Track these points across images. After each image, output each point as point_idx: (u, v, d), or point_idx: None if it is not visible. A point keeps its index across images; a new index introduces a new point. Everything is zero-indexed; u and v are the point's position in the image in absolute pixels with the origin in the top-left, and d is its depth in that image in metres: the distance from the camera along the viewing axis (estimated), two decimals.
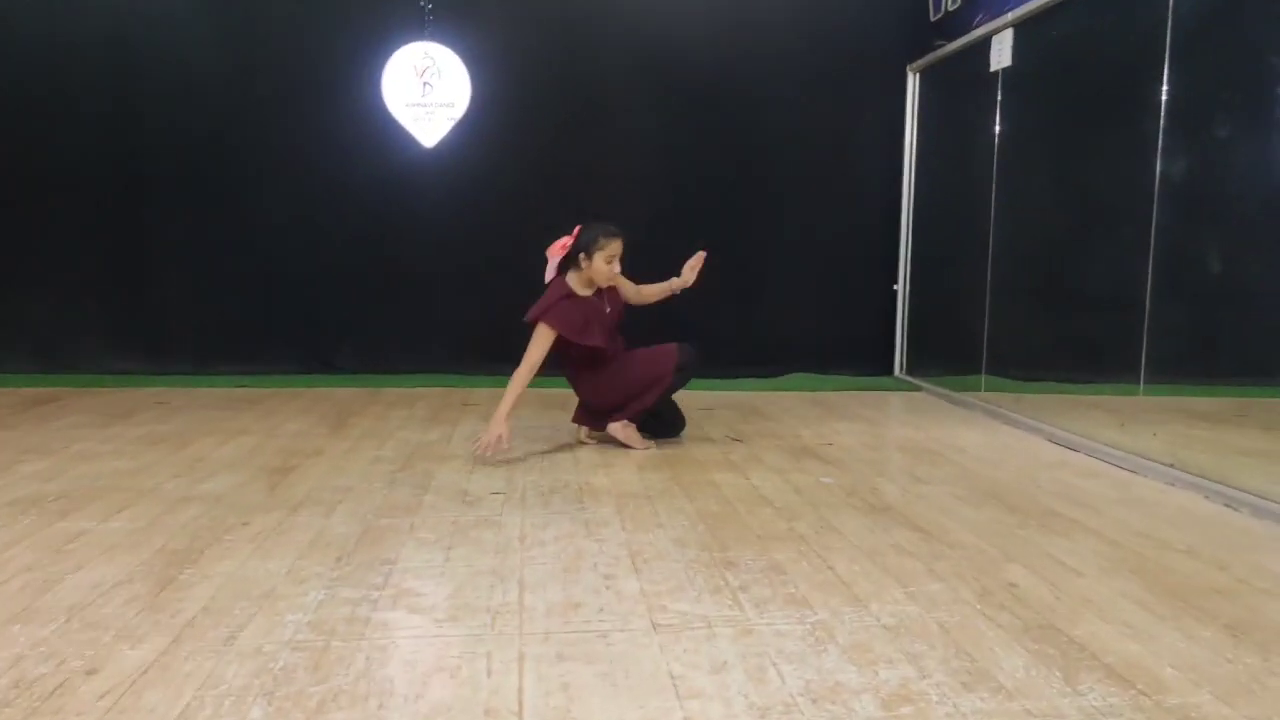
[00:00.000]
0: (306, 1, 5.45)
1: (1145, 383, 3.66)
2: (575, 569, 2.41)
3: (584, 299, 3.65)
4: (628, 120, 5.72)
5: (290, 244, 5.56)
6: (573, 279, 3.66)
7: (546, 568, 2.42)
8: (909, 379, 5.92)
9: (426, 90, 5.40)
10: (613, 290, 3.77)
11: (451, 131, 5.46)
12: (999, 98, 4.78)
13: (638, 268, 5.87)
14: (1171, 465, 3.39)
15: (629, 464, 3.57)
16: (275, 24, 5.43)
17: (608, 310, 3.71)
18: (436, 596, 2.21)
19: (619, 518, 2.86)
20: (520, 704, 1.70)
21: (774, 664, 1.86)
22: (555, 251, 3.67)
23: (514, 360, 3.60)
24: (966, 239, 5.14)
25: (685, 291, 3.92)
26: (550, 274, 3.69)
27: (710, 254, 3.87)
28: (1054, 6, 4.25)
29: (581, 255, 3.59)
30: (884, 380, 5.94)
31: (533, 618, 2.09)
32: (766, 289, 5.94)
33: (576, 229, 3.62)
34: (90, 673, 1.80)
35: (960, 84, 5.33)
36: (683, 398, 4.04)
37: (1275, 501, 2.92)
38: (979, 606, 2.16)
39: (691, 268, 3.83)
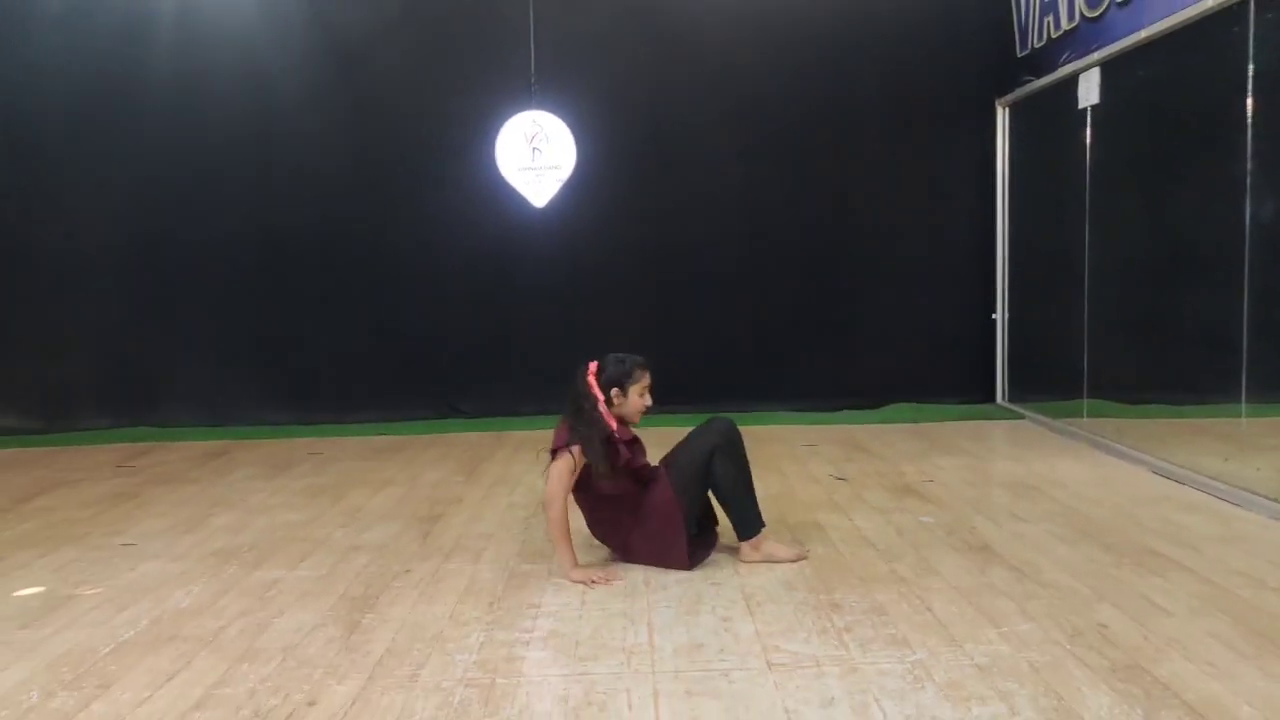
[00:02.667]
0: (426, 78, 6.02)
1: (1247, 402, 3.73)
2: (695, 611, 2.72)
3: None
4: (721, 165, 6.07)
5: (417, 299, 6.11)
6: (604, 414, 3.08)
7: (671, 610, 2.73)
8: (1011, 406, 6.01)
9: (536, 155, 5.86)
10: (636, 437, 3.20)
11: (560, 192, 5.91)
12: (1088, 133, 4.89)
13: (740, 310, 6.16)
14: (1276, 500, 3.45)
15: None
16: (398, 100, 6.02)
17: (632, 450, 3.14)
18: (579, 637, 2.56)
19: (732, 562, 3.16)
20: None
21: (876, 700, 2.13)
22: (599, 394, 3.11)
23: None
24: (1064, 268, 5.24)
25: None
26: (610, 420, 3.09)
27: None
28: (1140, 47, 4.36)
29: (615, 391, 3.09)
30: (986, 408, 6.04)
31: (662, 657, 2.41)
32: (863, 321, 6.15)
33: (593, 366, 3.13)
34: (311, 704, 2.21)
35: (1050, 119, 5.44)
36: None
37: None
38: (1069, 646, 2.37)
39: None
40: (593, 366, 3.13)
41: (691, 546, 3.11)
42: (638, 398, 3.13)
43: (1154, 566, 2.94)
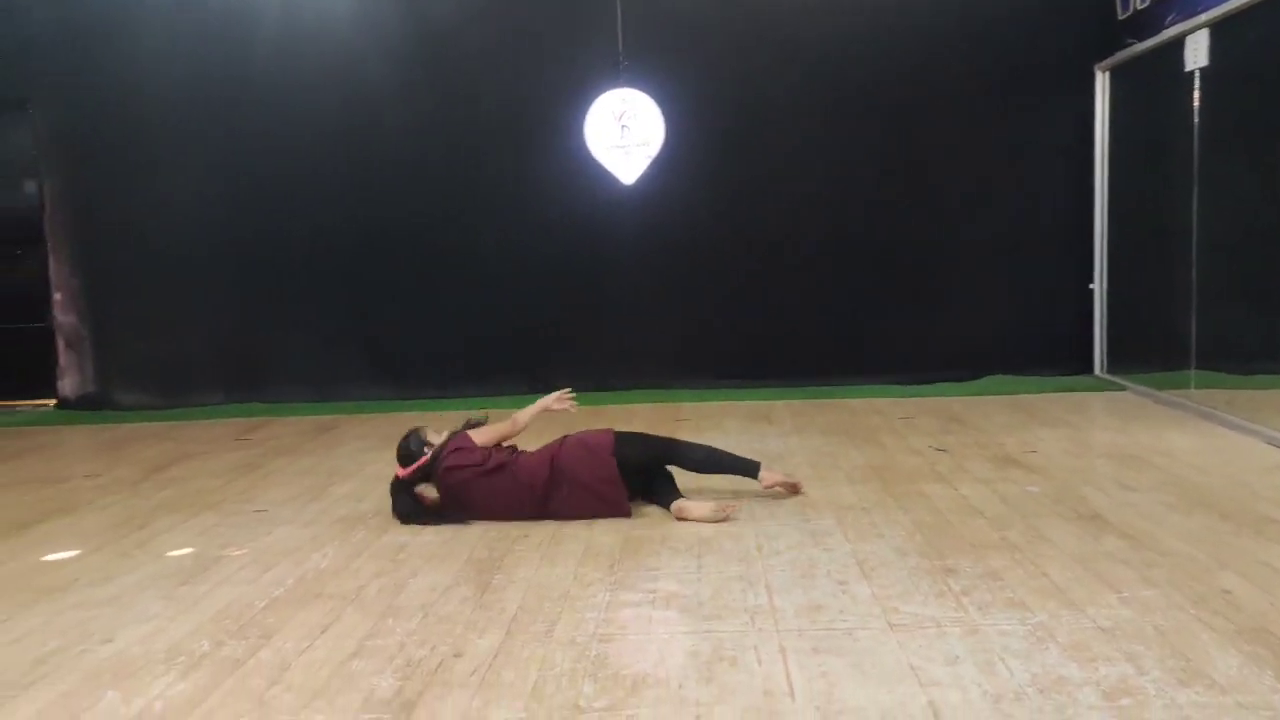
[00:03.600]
0: (515, 60, 6.15)
1: None
2: (811, 575, 2.81)
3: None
4: (810, 136, 6.07)
5: (510, 277, 6.29)
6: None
7: (786, 574, 2.82)
8: (1111, 378, 5.90)
9: (625, 132, 5.95)
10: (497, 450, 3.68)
11: (649, 168, 6.00)
12: (1196, 96, 4.75)
13: (832, 282, 6.14)
14: None
15: (840, 478, 3.92)
16: (488, 84, 6.18)
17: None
18: (700, 598, 2.67)
19: (840, 528, 3.23)
20: (790, 686, 2.12)
21: (1001, 659, 2.19)
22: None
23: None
24: (1169, 235, 5.12)
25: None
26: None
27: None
28: (1250, 7, 4.21)
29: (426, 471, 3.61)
30: (1084, 380, 5.95)
31: (784, 617, 2.51)
32: (956, 291, 6.10)
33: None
34: (457, 656, 2.37)
35: (1154, 83, 5.30)
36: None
37: None
38: (1193, 611, 2.38)
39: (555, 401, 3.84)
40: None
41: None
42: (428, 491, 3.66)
43: (1274, 534, 2.92)
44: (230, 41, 6.25)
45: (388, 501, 3.84)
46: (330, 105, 6.25)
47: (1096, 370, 6.06)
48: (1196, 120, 4.78)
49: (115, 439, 5.58)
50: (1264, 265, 4.50)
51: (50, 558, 3.33)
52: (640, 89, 5.80)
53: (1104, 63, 5.76)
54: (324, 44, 6.22)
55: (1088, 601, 2.49)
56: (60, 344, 6.71)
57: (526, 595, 2.75)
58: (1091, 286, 6.02)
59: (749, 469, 3.61)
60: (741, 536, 3.20)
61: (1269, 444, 4.06)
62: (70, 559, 3.30)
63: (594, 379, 6.28)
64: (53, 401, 6.75)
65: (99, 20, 6.30)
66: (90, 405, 6.58)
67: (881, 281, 6.11)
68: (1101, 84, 5.84)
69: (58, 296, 6.68)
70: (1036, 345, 6.09)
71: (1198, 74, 4.72)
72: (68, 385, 6.73)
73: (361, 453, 4.85)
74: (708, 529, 3.29)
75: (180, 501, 4.02)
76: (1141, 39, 5.28)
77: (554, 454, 3.56)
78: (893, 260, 6.09)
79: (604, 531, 3.32)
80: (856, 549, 3.01)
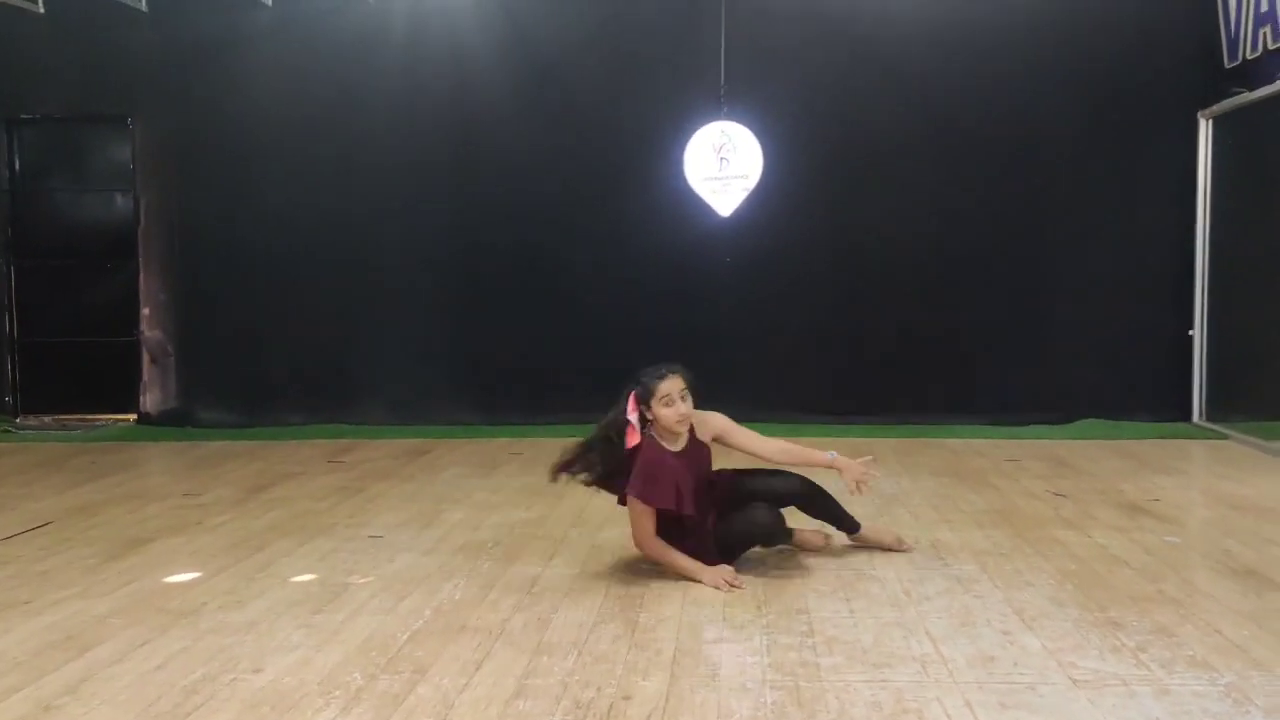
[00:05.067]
0: (619, 91, 6.23)
1: None
2: (971, 623, 2.73)
3: (669, 459, 3.20)
4: (910, 172, 6.07)
5: (605, 304, 6.30)
6: (657, 436, 3.23)
7: (945, 621, 2.75)
8: (1210, 425, 5.77)
9: (723, 165, 5.97)
10: (701, 447, 3.33)
11: (745, 200, 6.00)
12: None
13: (928, 320, 6.06)
14: None
15: (965, 520, 3.84)
16: (592, 113, 6.26)
17: (691, 472, 3.23)
18: (863, 644, 2.60)
19: (985, 575, 3.15)
20: None
21: None
22: (629, 407, 3.23)
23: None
24: (1273, 283, 5.02)
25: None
26: (632, 440, 3.20)
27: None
28: None
29: (645, 411, 3.19)
30: (1181, 427, 5.82)
31: (957, 668, 2.43)
32: (1053, 334, 6.02)
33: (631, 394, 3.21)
34: (625, 699, 2.32)
35: (1260, 132, 5.23)
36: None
37: None
38: None
39: (861, 474, 3.28)
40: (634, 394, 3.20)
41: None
42: (664, 409, 3.15)
43: None
44: (335, 60, 6.36)
45: (508, 533, 3.81)
46: (435, 127, 6.35)
47: (1195, 418, 5.93)
48: None
49: (202, 457, 5.61)
50: None
51: (173, 579, 3.32)
52: (741, 122, 5.81)
53: (1208, 110, 5.71)
54: (432, 65, 6.34)
55: (1275, 661, 2.39)
56: (145, 358, 6.79)
57: (680, 635, 2.69)
58: (1191, 333, 5.92)
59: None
60: (884, 580, 3.13)
61: None
62: (194, 581, 3.29)
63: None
64: (133, 416, 6.82)
65: (202, 35, 6.46)
66: (171, 421, 6.64)
67: (979, 321, 6.04)
68: (1205, 131, 5.79)
69: (146, 311, 6.78)
70: (1132, 390, 5.99)
71: None
72: (149, 400, 6.81)
73: (463, 479, 4.84)
74: (848, 572, 3.22)
75: (289, 524, 4.01)
76: (1252, 88, 5.23)
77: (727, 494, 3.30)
78: (991, 300, 6.02)
79: (744, 567, 3.24)
80: (1010, 597, 2.93)
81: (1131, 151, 5.89)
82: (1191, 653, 2.48)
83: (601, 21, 6.23)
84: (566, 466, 3.26)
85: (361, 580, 3.26)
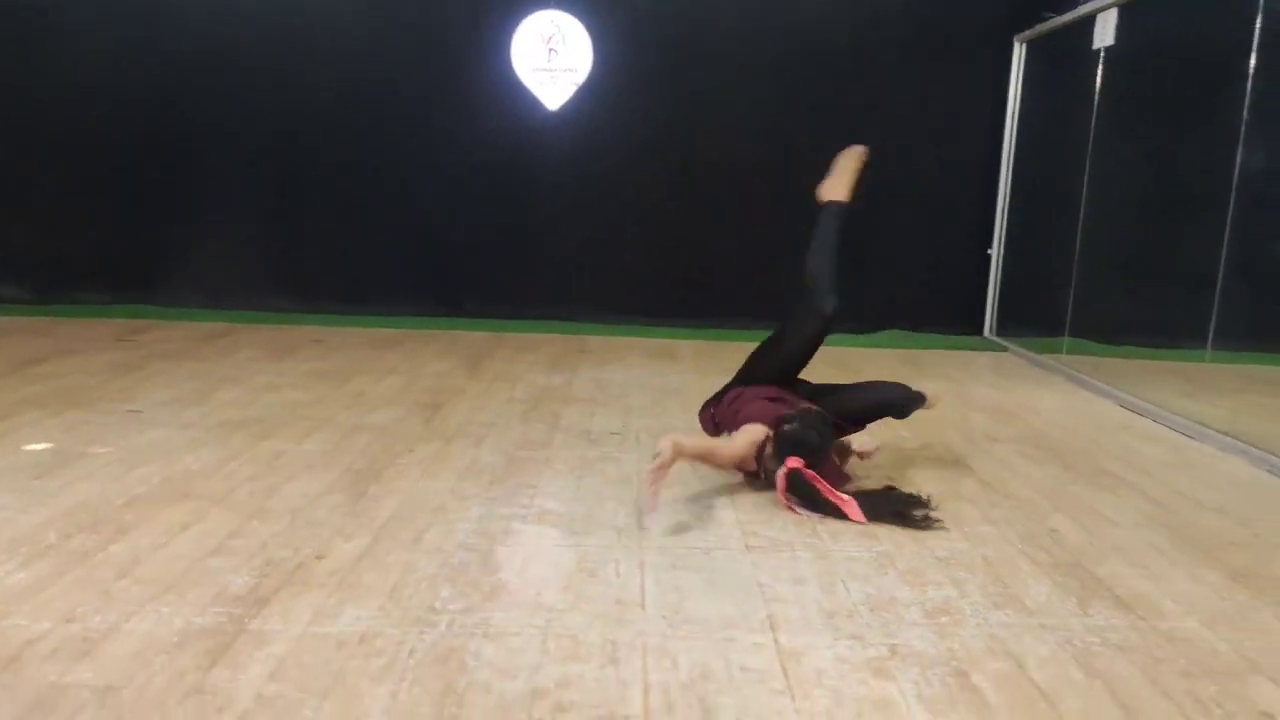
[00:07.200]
0: None
1: (1212, 348, 3.92)
2: (681, 499, 2.90)
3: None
4: (736, 79, 6.06)
5: (425, 197, 6.15)
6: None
7: (658, 498, 2.91)
8: (997, 340, 6.17)
9: (552, 56, 5.85)
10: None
11: (574, 95, 5.92)
12: (1099, 75, 4.93)
13: (746, 221, 6.19)
14: (1225, 433, 3.65)
15: None
16: None
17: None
18: (573, 515, 2.74)
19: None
20: (643, 597, 2.21)
21: (842, 581, 2.32)
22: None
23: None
24: (1059, 208, 5.34)
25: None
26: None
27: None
28: None
29: (769, 456, 2.93)
30: (973, 340, 6.21)
31: (650, 536, 2.60)
32: (865, 248, 6.22)
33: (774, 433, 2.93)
34: (320, 558, 2.39)
35: (1064, 58, 5.46)
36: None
37: None
38: (1020, 546, 2.57)
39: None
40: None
41: None
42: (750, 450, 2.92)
43: (1107, 485, 3.15)
44: None
45: (273, 409, 3.81)
46: (253, 9, 5.94)
47: (985, 332, 6.32)
48: (1097, 99, 4.97)
49: None
50: (1136, 243, 4.76)
51: None
52: (570, 13, 5.69)
53: (1023, 34, 5.91)
54: None
55: (930, 535, 2.65)
56: None
57: (400, 505, 2.77)
58: (989, 252, 6.25)
59: None
60: (623, 461, 3.28)
61: (1122, 406, 4.34)
62: None
63: (507, 304, 6.26)
64: None
65: None
66: None
67: (796, 232, 6.17)
68: (1018, 55, 6.00)
69: None
70: (936, 305, 6.31)
71: (1103, 53, 4.90)
72: None
73: (253, 361, 4.75)
74: (594, 452, 3.36)
75: (48, 398, 3.87)
76: (1060, 13, 5.43)
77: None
78: (804, 211, 6.15)
79: (491, 450, 3.35)
80: (728, 479, 3.12)
81: (951, 74, 6.06)
82: (864, 526, 2.71)
83: None
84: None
85: (101, 450, 3.20)
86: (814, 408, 3.02)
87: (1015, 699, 1.80)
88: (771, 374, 3.29)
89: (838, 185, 3.39)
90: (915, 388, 3.27)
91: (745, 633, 2.05)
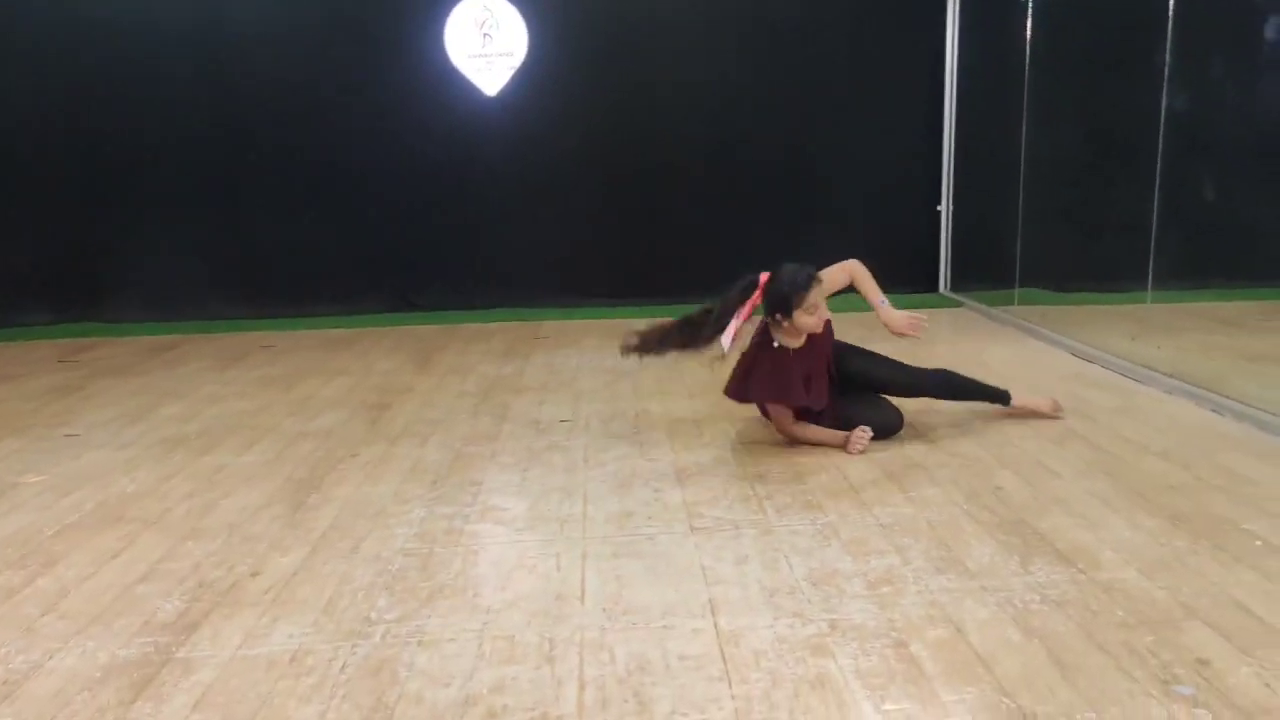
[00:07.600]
0: None
1: (1153, 289, 3.94)
2: (630, 485, 2.87)
3: (790, 359, 3.10)
4: (676, 55, 5.97)
5: (369, 192, 6.03)
6: (776, 333, 3.13)
7: (606, 484, 2.88)
8: (952, 295, 6.17)
9: (486, 41, 5.74)
10: (819, 337, 3.18)
11: (511, 80, 5.82)
12: (1029, 25, 4.90)
13: (694, 199, 6.11)
14: (1170, 375, 3.67)
15: (681, 392, 3.99)
16: None
17: (811, 364, 3.14)
18: (516, 510, 2.70)
19: (668, 440, 3.30)
20: (583, 590, 2.18)
21: (785, 557, 2.30)
22: (745, 313, 3.14)
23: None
24: (1002, 161, 5.34)
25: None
26: (728, 339, 3.11)
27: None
28: None
29: (779, 316, 3.06)
30: (929, 298, 6.19)
31: (593, 524, 2.56)
32: (814, 209, 6.20)
33: (763, 278, 3.10)
34: (254, 574, 2.34)
35: (996, 10, 5.43)
36: None
37: (1255, 406, 3.21)
38: (965, 506, 2.56)
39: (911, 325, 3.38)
40: (764, 278, 3.09)
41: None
42: (807, 318, 3.04)
43: (1052, 435, 3.15)
44: None
45: (216, 421, 3.73)
46: (180, 5, 5.77)
47: (941, 289, 6.32)
48: (1028, 49, 4.95)
49: None
50: (1076, 191, 4.76)
51: None
52: None
53: None
54: None
55: (876, 501, 2.64)
56: None
57: (340, 514, 2.72)
58: (939, 209, 6.24)
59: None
60: (571, 449, 3.24)
61: (1072, 355, 4.35)
62: None
63: (456, 297, 6.18)
64: None
65: None
66: None
67: (744, 199, 6.14)
68: (953, 8, 5.95)
69: None
70: (891, 264, 6.22)
71: (1030, 4, 4.87)
72: None
73: (199, 372, 4.65)
74: (542, 442, 3.32)
75: None
76: None
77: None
78: (761, 179, 6.12)
79: (437, 448, 3.30)
80: (678, 459, 3.09)
81: (892, 29, 6.00)
82: (810, 498, 2.69)
83: None
84: (642, 347, 3.23)
85: (34, 479, 3.11)
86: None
87: (953, 666, 1.79)
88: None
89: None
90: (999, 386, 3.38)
91: (685, 619, 2.02)
